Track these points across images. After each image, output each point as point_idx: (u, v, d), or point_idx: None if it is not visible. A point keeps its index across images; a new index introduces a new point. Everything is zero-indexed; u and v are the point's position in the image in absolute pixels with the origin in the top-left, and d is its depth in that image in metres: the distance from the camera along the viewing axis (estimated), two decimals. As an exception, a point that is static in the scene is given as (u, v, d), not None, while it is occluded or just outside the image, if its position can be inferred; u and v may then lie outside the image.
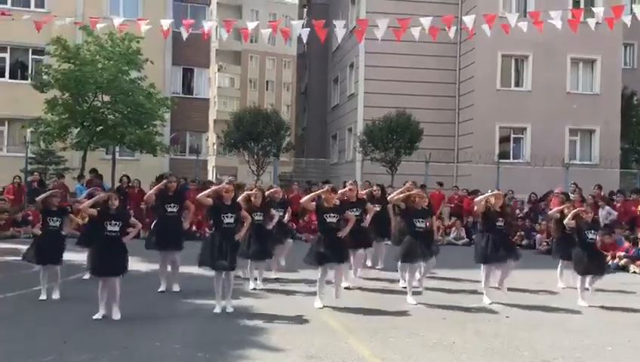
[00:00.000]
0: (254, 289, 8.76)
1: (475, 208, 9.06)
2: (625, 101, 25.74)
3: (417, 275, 8.69)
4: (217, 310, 7.17)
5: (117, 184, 17.19)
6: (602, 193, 16.11)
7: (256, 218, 8.62)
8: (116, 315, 6.70)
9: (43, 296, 7.69)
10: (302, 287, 8.96)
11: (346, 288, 8.84)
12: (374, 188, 10.59)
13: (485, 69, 24.43)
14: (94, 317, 6.67)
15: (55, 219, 7.82)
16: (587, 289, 8.47)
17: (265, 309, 7.42)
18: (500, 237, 8.26)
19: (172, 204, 8.46)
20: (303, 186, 18.69)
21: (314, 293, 7.84)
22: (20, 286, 8.34)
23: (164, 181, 8.65)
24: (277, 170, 23.48)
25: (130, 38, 18.14)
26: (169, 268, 8.62)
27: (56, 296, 7.71)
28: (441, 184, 19.12)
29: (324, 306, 7.59)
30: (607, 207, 15.15)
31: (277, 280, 9.64)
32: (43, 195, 8.08)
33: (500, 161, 22.58)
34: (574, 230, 8.58)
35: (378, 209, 10.17)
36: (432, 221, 8.66)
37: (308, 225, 15.66)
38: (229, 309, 7.18)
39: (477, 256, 8.43)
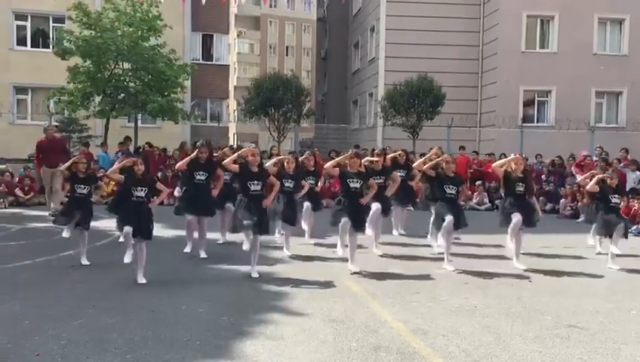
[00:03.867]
0: (286, 255, 8.78)
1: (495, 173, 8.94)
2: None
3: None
4: (255, 274, 7.24)
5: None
6: (629, 156, 15.81)
7: (287, 185, 8.62)
8: (141, 280, 6.83)
9: (85, 261, 7.80)
10: (327, 253, 9.01)
11: (380, 255, 8.89)
12: (399, 153, 10.50)
13: (510, 31, 23.90)
14: (125, 261, 6.78)
15: (82, 186, 7.89)
16: (613, 252, 8.43)
17: (289, 274, 7.49)
18: (520, 202, 8.19)
19: (201, 172, 8.41)
20: (324, 154, 18.61)
21: (338, 259, 7.89)
22: (48, 252, 8.52)
23: (196, 151, 8.51)
24: (298, 137, 23.47)
25: (150, 2, 18.08)
26: (195, 234, 8.71)
27: (84, 261, 7.83)
28: (462, 148, 18.80)
29: (354, 272, 7.61)
30: (637, 172, 14.90)
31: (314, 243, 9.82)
32: (67, 163, 8.16)
33: (524, 124, 22.26)
34: (599, 194, 8.53)
35: (403, 175, 10.12)
36: (463, 188, 8.58)
37: (329, 190, 15.66)
38: (255, 275, 7.25)
39: (501, 221, 8.40)
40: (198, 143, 8.67)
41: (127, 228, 6.80)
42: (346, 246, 7.85)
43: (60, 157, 13.50)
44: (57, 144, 13.86)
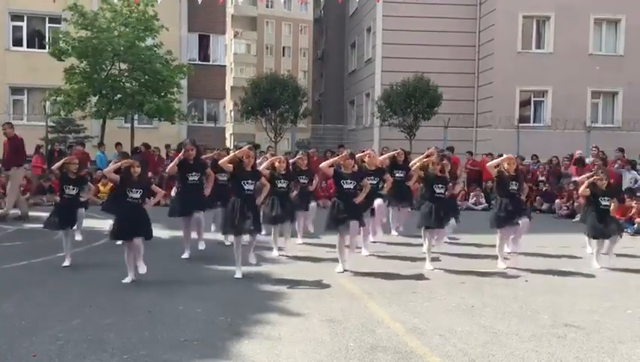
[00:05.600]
0: (280, 255, 8.78)
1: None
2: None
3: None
4: (238, 275, 7.24)
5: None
6: (625, 156, 15.86)
7: (280, 185, 8.63)
8: (142, 269, 6.87)
9: (66, 263, 7.77)
10: (323, 253, 9.02)
11: (367, 255, 8.89)
12: (397, 152, 10.51)
13: (506, 31, 23.96)
14: (123, 281, 6.80)
15: (71, 187, 7.86)
16: (606, 254, 8.46)
17: (286, 274, 7.49)
18: (513, 201, 8.22)
19: (193, 173, 8.42)
20: (321, 153, 18.64)
21: (334, 259, 7.90)
22: (45, 253, 8.51)
23: (183, 151, 8.55)
24: (294, 137, 23.48)
25: (146, 1, 18.09)
26: (193, 234, 8.72)
27: (67, 263, 7.76)
28: (451, 149, 18.62)
29: (344, 271, 7.65)
30: (634, 172, 14.95)
31: (303, 243, 9.85)
32: (58, 163, 8.11)
33: (521, 125, 22.30)
34: (591, 197, 8.59)
35: (401, 175, 10.13)
36: (456, 186, 8.63)
37: (326, 191, 15.67)
38: (238, 275, 7.22)
39: (491, 221, 8.42)
40: (184, 142, 8.74)
41: (127, 248, 6.86)
42: (347, 246, 7.87)
43: (13, 158, 12.23)
44: (13, 143, 12.29)
